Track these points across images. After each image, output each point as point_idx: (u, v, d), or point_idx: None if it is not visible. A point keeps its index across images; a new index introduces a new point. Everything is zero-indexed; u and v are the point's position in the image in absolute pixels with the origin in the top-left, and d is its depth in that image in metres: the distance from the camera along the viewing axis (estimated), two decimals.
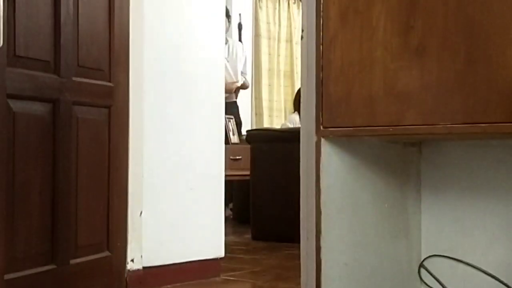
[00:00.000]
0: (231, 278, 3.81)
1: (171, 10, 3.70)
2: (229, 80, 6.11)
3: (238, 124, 6.33)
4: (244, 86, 6.48)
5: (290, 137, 4.46)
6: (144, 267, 3.52)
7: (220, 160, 3.97)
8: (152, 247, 3.57)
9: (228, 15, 5.97)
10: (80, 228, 3.08)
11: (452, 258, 2.28)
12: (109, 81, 3.31)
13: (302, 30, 2.09)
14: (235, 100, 6.47)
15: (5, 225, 2.66)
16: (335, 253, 1.99)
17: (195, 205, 3.81)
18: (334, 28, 1.95)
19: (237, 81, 6.20)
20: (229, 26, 6.24)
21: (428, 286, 2.32)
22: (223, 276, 3.82)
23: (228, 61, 6.12)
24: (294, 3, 8.00)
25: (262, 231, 5.03)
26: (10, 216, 2.70)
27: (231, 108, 6.27)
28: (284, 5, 8.04)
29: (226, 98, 6.18)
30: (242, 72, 6.33)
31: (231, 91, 6.23)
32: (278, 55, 7.93)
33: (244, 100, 7.07)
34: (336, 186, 2.00)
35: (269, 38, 7.83)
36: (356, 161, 2.08)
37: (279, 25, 7.95)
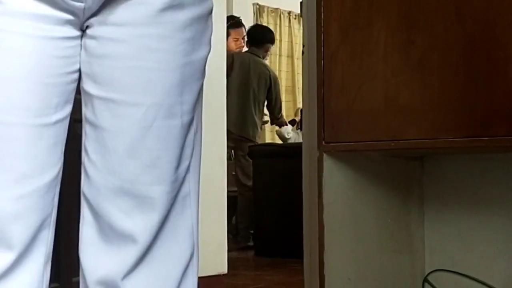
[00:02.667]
0: None
1: None
2: None
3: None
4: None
5: (292, 152, 4.45)
6: None
7: (222, 176, 3.97)
8: None
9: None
10: None
11: (456, 273, 2.27)
12: None
13: (303, 46, 2.10)
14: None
15: None
16: (338, 268, 1.99)
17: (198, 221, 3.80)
18: (335, 44, 1.96)
19: None
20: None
21: None
22: None
23: None
24: (295, 18, 8.03)
25: (265, 247, 5.02)
26: None
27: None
28: (285, 21, 8.07)
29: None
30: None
31: None
32: (280, 71, 7.94)
33: None
34: (338, 201, 2.00)
35: (270, 54, 7.85)
36: (358, 176, 2.08)
37: (280, 40, 7.97)
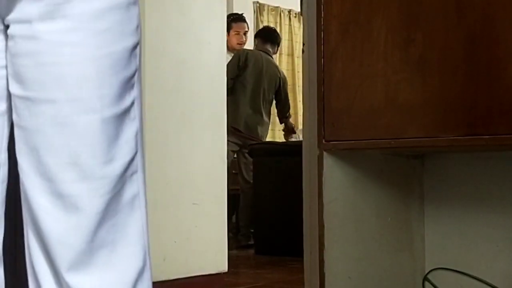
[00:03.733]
0: None
1: (171, 30, 3.71)
2: None
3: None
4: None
5: (292, 150, 4.45)
6: None
7: (223, 174, 3.97)
8: (156, 262, 3.55)
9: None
10: None
11: (456, 271, 2.27)
12: None
13: (303, 44, 2.09)
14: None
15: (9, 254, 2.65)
16: (339, 266, 1.99)
17: (198, 219, 3.80)
18: (335, 42, 1.96)
19: None
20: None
21: None
22: None
23: None
24: (295, 16, 8.02)
25: (265, 245, 5.02)
26: (13, 246, 2.68)
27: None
28: (285, 19, 8.07)
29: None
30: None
31: None
32: None
33: None
34: (338, 200, 2.00)
35: None
36: (359, 174, 2.08)
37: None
